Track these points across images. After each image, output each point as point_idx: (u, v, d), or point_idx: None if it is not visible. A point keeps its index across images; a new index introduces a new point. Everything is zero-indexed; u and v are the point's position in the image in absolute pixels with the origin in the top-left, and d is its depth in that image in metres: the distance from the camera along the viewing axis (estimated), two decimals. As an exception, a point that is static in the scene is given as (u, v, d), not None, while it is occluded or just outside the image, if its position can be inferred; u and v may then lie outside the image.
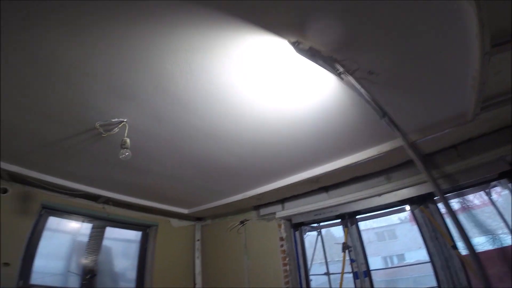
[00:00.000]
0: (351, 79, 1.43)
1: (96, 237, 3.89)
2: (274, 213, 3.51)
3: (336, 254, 3.21)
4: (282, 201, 3.48)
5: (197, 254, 4.59)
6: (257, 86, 1.59)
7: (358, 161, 2.32)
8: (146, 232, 4.43)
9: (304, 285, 3.22)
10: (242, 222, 3.94)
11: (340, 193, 2.88)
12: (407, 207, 2.72)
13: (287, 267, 3.21)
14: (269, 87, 1.60)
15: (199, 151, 2.28)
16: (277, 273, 3.21)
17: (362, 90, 1.43)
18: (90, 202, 3.72)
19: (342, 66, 1.39)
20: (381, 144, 2.21)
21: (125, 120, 1.86)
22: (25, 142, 2.30)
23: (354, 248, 2.83)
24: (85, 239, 3.82)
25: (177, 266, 4.34)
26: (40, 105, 1.76)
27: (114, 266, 4.08)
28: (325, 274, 3.21)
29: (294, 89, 1.61)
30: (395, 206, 2.76)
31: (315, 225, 3.47)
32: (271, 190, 3.05)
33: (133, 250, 4.30)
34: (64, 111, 1.80)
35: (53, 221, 3.71)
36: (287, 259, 3.25)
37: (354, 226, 2.92)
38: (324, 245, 3.36)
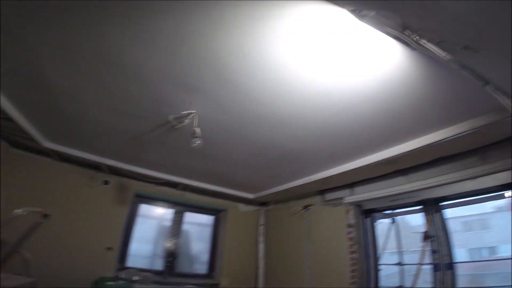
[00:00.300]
0: (434, 48, 1.20)
1: (177, 221, 4.36)
2: (342, 198, 3.34)
3: (412, 244, 2.90)
4: (351, 185, 3.27)
5: (261, 238, 4.73)
6: (314, 63, 1.48)
7: (443, 139, 1.99)
8: (218, 216, 4.75)
9: (372, 274, 3.04)
10: (305, 207, 3.89)
11: (421, 176, 2.54)
12: (508, 193, 2.24)
13: (355, 255, 3.06)
14: (326, 63, 1.48)
15: (262, 136, 2.32)
16: (343, 261, 3.09)
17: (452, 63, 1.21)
18: (171, 189, 4.18)
19: (419, 35, 1.17)
20: (474, 119, 1.84)
21: (193, 111, 2.00)
22: (116, 138, 2.72)
23: (437, 238, 2.51)
24: (168, 223, 4.28)
25: (243, 250, 4.57)
26: (120, 104, 2.04)
27: (191, 249, 4.49)
28: (397, 264, 2.96)
29: (355, 62, 1.45)
30: (491, 191, 2.31)
31: (388, 212, 3.19)
32: (338, 174, 2.88)
33: (207, 233, 4.66)
34: (140, 108, 2.05)
35: (143, 208, 4.25)
36: (355, 246, 3.09)
37: (438, 214, 2.58)
38: (398, 233, 3.08)
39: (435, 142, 2.02)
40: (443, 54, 1.21)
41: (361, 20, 1.17)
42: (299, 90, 1.70)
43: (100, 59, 1.57)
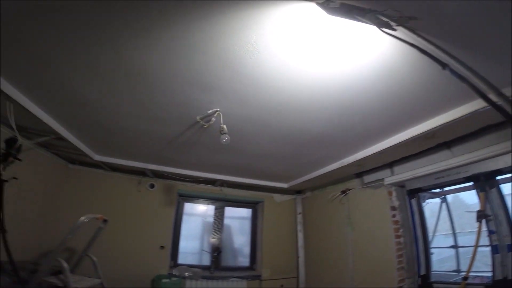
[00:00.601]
0: (401, 29, 1.16)
1: (218, 217, 4.56)
2: (382, 179, 3.13)
3: (468, 225, 2.62)
4: (390, 165, 3.04)
5: (299, 227, 4.68)
6: (314, 56, 1.49)
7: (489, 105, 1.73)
8: (255, 209, 4.83)
9: (422, 259, 2.81)
10: (343, 192, 3.75)
11: (468, 148, 2.24)
12: None
13: (401, 239, 2.86)
14: (331, 52, 1.46)
15: (288, 124, 2.30)
16: (388, 246, 2.91)
17: (419, 39, 1.15)
18: (210, 186, 4.40)
19: (386, 16, 1.13)
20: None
21: (217, 109, 2.07)
22: (155, 144, 2.94)
23: (495, 217, 2.22)
24: (211, 219, 4.50)
25: (282, 240, 4.58)
26: (152, 112, 2.20)
27: (234, 242, 4.66)
28: (451, 247, 2.72)
29: (362, 42, 1.39)
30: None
31: (437, 190, 2.91)
32: (373, 154, 2.68)
33: (247, 226, 4.78)
34: (169, 113, 2.19)
35: (187, 207, 4.52)
36: (401, 230, 2.88)
37: (494, 190, 2.26)
38: (450, 213, 2.82)
39: (479, 109, 1.77)
40: (407, 37, 1.18)
41: (330, 13, 1.16)
42: (312, 77, 1.68)
43: (127, 75, 1.73)
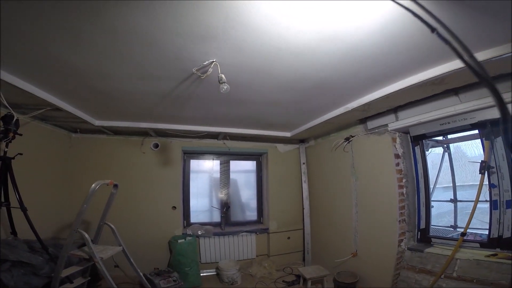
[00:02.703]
0: None
1: (224, 172, 4.62)
2: (386, 125, 3.03)
3: (469, 178, 2.57)
4: (395, 110, 2.91)
5: (304, 178, 4.67)
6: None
7: (502, 55, 1.52)
8: (260, 161, 4.85)
9: (422, 211, 2.78)
10: (347, 139, 3.69)
11: (476, 95, 2.08)
12: None
13: (403, 190, 2.83)
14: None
15: (288, 70, 2.16)
16: (391, 197, 2.88)
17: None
18: (213, 141, 4.39)
19: None
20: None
21: (214, 60, 1.97)
22: (153, 102, 2.86)
23: (498, 169, 2.09)
24: (217, 175, 4.56)
25: (287, 192, 4.61)
26: (145, 70, 2.10)
27: (241, 197, 4.76)
28: (450, 200, 2.67)
29: None
30: None
31: (440, 138, 2.76)
32: (379, 98, 2.52)
33: (253, 179, 4.82)
34: (165, 69, 2.09)
35: (194, 164, 4.54)
36: (404, 180, 2.84)
37: (500, 139, 2.12)
38: (452, 164, 2.72)
39: (492, 58, 1.61)
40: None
41: None
42: (311, 27, 1.54)
43: (112, 35, 1.61)
